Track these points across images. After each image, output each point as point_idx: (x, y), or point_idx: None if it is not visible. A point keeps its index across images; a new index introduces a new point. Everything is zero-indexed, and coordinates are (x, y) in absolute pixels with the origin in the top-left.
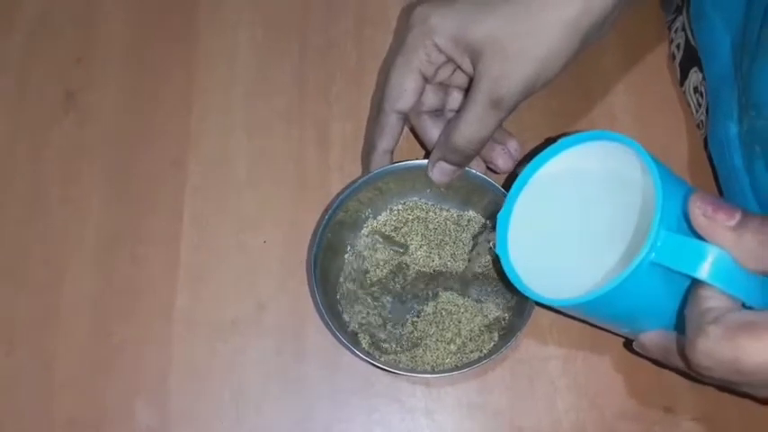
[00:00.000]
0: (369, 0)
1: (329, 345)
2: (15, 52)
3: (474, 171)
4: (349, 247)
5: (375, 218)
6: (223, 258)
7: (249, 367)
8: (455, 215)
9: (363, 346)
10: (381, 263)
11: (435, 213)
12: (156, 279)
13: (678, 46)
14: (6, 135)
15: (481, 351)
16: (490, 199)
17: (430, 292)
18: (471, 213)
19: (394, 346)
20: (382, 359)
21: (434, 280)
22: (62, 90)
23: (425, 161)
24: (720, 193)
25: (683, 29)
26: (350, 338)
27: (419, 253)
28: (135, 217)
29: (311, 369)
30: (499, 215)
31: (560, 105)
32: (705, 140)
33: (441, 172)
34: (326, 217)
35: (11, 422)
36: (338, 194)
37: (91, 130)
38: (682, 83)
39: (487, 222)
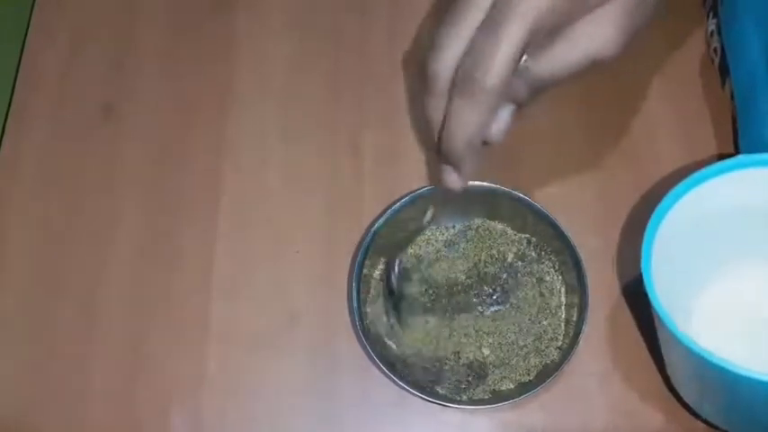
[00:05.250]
0: (401, 11)
1: (361, 357)
2: (55, 64)
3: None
4: (380, 271)
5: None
6: (257, 268)
7: (282, 378)
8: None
9: (398, 367)
10: (411, 289)
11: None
12: (191, 289)
13: (715, 50)
14: (46, 145)
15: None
16: (517, 209)
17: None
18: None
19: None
20: (413, 379)
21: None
22: (100, 100)
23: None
24: None
25: (719, 32)
26: (384, 359)
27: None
28: (171, 226)
29: (343, 382)
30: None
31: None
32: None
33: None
34: (364, 244)
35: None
36: (381, 214)
37: (128, 139)
38: (723, 86)
39: (529, 238)
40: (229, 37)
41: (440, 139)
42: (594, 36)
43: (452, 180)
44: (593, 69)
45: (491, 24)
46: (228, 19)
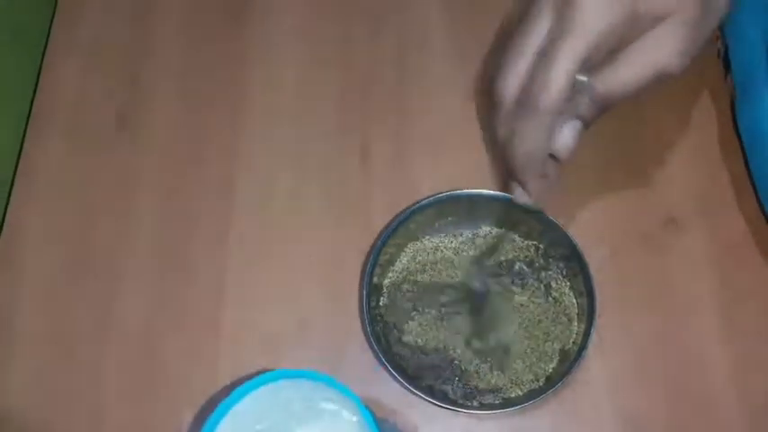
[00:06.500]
0: (411, 19)
1: (371, 362)
2: (71, 75)
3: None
4: (388, 284)
5: (406, 256)
6: (268, 273)
7: None
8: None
9: (409, 371)
10: (421, 297)
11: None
12: (205, 294)
13: (718, 36)
14: (61, 155)
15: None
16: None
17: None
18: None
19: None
20: (423, 384)
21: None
22: (115, 111)
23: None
24: (750, 177)
25: (720, 29)
26: (395, 364)
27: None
28: (185, 232)
29: (352, 386)
30: None
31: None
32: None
33: (573, 137)
34: (375, 250)
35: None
36: (391, 221)
37: (142, 149)
38: (725, 78)
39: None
40: (241, 49)
41: (506, 155)
42: (657, 51)
43: (519, 195)
44: (662, 83)
45: (548, 47)
46: (241, 31)
